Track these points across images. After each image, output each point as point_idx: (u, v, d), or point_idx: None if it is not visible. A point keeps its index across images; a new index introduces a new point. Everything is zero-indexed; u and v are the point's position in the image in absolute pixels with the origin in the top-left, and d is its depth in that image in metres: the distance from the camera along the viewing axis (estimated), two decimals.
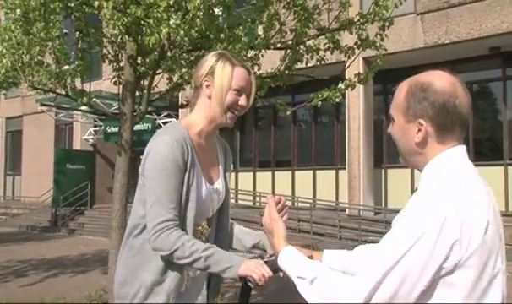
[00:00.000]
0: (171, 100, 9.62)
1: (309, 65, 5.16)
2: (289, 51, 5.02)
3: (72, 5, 4.38)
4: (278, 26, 5.00)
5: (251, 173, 15.41)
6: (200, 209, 1.75)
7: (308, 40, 5.03)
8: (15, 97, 19.05)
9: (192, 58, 5.00)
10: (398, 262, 1.16)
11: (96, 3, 3.86)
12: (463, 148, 1.32)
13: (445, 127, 1.28)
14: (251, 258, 1.69)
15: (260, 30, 5.11)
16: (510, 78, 11.98)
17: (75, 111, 15.52)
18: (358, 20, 4.91)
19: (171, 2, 3.70)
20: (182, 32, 3.73)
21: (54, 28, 4.45)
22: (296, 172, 14.71)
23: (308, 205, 12.85)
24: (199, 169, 1.77)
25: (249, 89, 1.80)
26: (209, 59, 1.79)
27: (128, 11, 3.87)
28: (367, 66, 6.65)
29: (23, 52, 4.58)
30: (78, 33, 5.00)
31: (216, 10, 4.66)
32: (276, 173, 15.07)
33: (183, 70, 4.87)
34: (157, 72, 4.81)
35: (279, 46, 5.12)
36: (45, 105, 14.63)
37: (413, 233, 1.17)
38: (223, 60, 1.76)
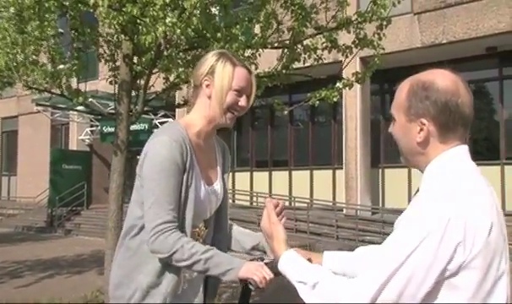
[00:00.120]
0: (168, 100, 9.59)
1: (307, 64, 5.14)
2: (286, 50, 5.00)
3: (67, 3, 4.35)
4: (275, 25, 4.98)
5: (248, 173, 15.39)
6: (198, 210, 1.73)
7: (306, 39, 5.01)
8: (11, 97, 18.97)
9: (188, 58, 4.97)
10: (403, 263, 1.15)
11: (92, 2, 3.82)
12: (465, 147, 1.31)
13: (447, 126, 1.26)
14: (251, 260, 1.67)
15: (257, 29, 5.09)
16: (507, 78, 12.01)
17: (71, 111, 15.46)
18: (356, 19, 4.90)
19: (167, 1, 3.67)
20: (178, 31, 3.70)
21: (49, 27, 4.40)
22: (294, 172, 14.70)
23: (305, 205, 12.85)
24: (198, 170, 1.74)
25: (250, 89, 1.77)
26: (210, 58, 1.76)
27: (123, 9, 3.83)
28: (365, 66, 6.64)
29: (17, 51, 4.54)
30: (73, 32, 4.96)
31: (213, 9, 4.64)
32: (273, 173, 15.06)
33: (180, 69, 4.85)
34: (153, 71, 4.78)
35: (276, 45, 5.10)
36: (40, 105, 14.56)
37: (417, 234, 1.15)
38: (224, 59, 1.74)
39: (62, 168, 16.62)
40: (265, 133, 15.54)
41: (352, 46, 5.02)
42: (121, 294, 1.73)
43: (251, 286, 1.55)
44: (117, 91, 4.88)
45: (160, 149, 1.65)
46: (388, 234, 1.28)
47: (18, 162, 21.04)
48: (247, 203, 14.42)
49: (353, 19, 4.92)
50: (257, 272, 1.54)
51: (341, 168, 13.13)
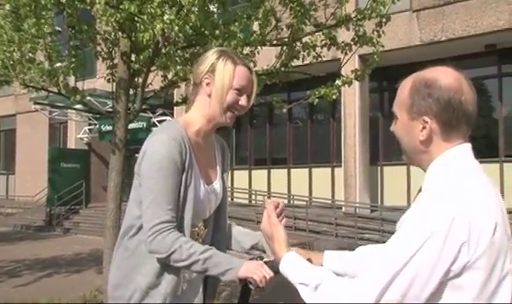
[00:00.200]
0: (166, 98, 9.54)
1: (305, 62, 5.12)
2: (285, 47, 4.99)
3: (64, 1, 4.32)
4: (274, 22, 4.96)
5: (247, 171, 15.37)
6: (197, 209, 1.71)
7: (305, 36, 4.99)
8: (8, 96, 18.91)
9: (187, 55, 4.95)
10: (407, 263, 1.13)
11: None
12: (468, 146, 1.29)
13: (451, 124, 1.25)
14: (250, 259, 1.65)
15: (256, 27, 5.06)
16: (506, 76, 12.01)
17: (69, 110, 15.40)
18: (355, 16, 4.88)
19: None
20: (176, 28, 3.67)
21: (46, 24, 4.36)
22: (292, 170, 14.69)
23: (304, 203, 12.84)
24: (197, 169, 1.72)
25: (250, 88, 1.75)
26: (210, 56, 1.73)
27: (121, 7, 3.81)
28: (363, 63, 6.63)
29: (14, 49, 4.49)
30: (70, 30, 4.93)
31: (211, 6, 4.61)
32: (272, 171, 15.05)
33: (178, 67, 4.82)
34: (151, 69, 4.76)
35: (275, 42, 5.08)
36: (38, 103, 14.52)
37: (421, 234, 1.14)
38: (224, 58, 1.71)
39: (60, 167, 16.58)
40: (264, 130, 15.53)
41: (351, 43, 5.00)
42: (120, 295, 1.71)
43: (251, 286, 1.54)
44: (114, 89, 4.86)
45: (159, 148, 1.62)
46: (387, 232, 1.27)
47: (16, 161, 21.00)
48: (246, 202, 14.42)
49: (352, 16, 4.91)
50: (257, 271, 1.53)
51: (340, 166, 13.12)
